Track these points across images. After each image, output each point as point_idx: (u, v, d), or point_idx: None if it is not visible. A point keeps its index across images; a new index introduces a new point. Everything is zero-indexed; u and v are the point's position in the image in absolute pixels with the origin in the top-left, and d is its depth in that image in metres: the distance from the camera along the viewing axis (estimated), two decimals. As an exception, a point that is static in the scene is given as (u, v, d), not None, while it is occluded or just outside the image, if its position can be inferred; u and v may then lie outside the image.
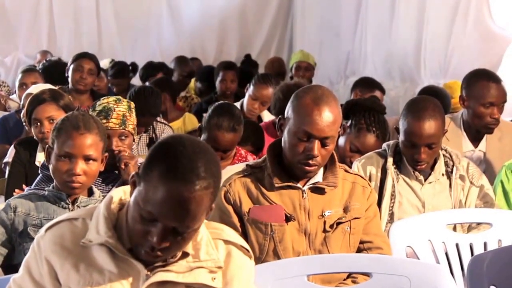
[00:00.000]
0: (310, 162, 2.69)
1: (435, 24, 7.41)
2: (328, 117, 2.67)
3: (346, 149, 3.92)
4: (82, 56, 5.69)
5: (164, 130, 5.11)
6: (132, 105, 3.52)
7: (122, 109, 3.43)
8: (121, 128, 3.40)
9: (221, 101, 4.62)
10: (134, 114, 3.50)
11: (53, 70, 6.37)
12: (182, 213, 1.87)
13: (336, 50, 9.17)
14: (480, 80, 4.12)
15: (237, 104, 5.48)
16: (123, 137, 3.42)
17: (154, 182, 1.87)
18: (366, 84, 6.07)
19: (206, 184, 1.87)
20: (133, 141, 3.52)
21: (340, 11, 9.11)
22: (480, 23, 6.83)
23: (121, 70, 7.38)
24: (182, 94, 7.33)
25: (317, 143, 2.67)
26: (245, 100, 5.49)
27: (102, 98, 3.50)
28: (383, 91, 6.04)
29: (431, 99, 3.50)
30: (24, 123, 4.06)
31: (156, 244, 1.89)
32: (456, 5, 6.91)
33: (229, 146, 3.98)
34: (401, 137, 3.40)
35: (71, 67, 5.63)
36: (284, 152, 2.76)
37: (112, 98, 3.48)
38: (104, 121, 3.30)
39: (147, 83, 7.08)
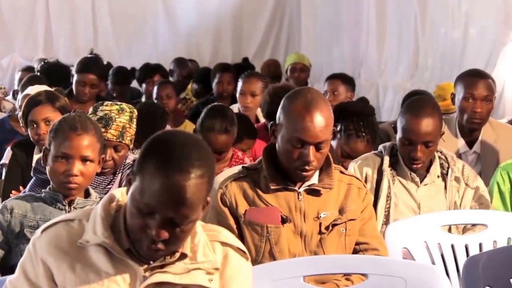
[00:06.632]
0: (307, 167, 2.69)
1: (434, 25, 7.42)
2: (320, 121, 2.67)
3: (338, 154, 3.94)
4: (84, 70, 5.35)
5: None
6: (135, 114, 3.47)
7: (123, 120, 3.40)
8: (118, 140, 3.37)
9: (215, 103, 4.60)
10: (134, 124, 3.45)
11: (51, 72, 6.35)
12: (179, 201, 1.88)
13: (337, 50, 9.11)
14: (466, 77, 4.13)
15: (235, 107, 5.50)
16: (118, 148, 3.40)
17: (149, 173, 1.89)
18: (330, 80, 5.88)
19: (201, 173, 1.89)
20: (129, 149, 3.50)
21: (340, 10, 9.02)
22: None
23: (124, 77, 7.19)
24: (181, 96, 7.32)
25: (312, 149, 2.67)
26: (238, 99, 5.50)
27: (105, 103, 3.44)
28: (346, 79, 5.85)
29: (430, 99, 3.51)
30: (21, 125, 4.06)
31: (156, 236, 1.90)
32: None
33: (223, 148, 3.97)
34: (398, 135, 3.41)
35: (75, 78, 5.36)
36: (279, 156, 2.77)
37: (115, 107, 3.42)
38: (103, 129, 3.23)
39: (143, 85, 7.11)
